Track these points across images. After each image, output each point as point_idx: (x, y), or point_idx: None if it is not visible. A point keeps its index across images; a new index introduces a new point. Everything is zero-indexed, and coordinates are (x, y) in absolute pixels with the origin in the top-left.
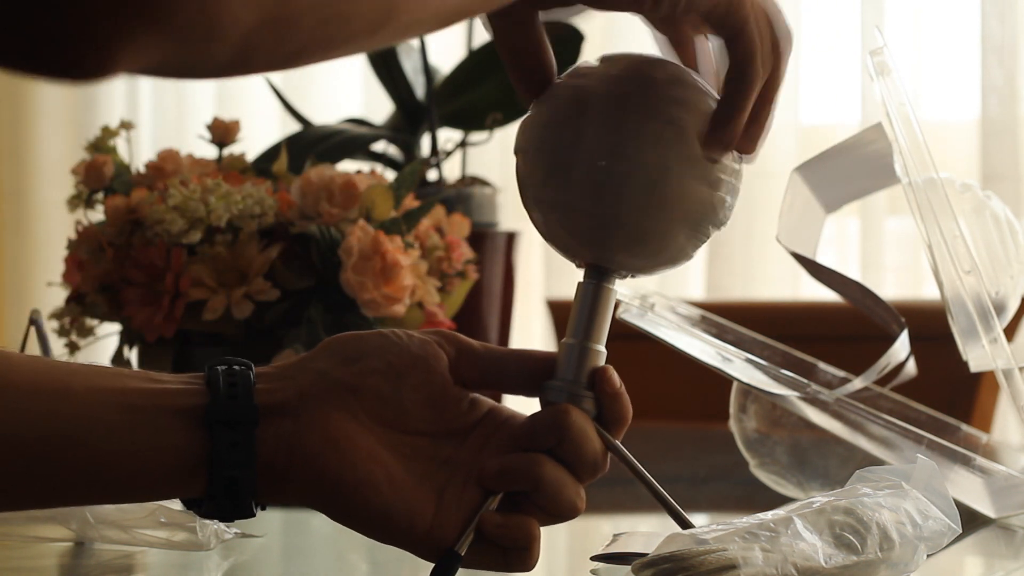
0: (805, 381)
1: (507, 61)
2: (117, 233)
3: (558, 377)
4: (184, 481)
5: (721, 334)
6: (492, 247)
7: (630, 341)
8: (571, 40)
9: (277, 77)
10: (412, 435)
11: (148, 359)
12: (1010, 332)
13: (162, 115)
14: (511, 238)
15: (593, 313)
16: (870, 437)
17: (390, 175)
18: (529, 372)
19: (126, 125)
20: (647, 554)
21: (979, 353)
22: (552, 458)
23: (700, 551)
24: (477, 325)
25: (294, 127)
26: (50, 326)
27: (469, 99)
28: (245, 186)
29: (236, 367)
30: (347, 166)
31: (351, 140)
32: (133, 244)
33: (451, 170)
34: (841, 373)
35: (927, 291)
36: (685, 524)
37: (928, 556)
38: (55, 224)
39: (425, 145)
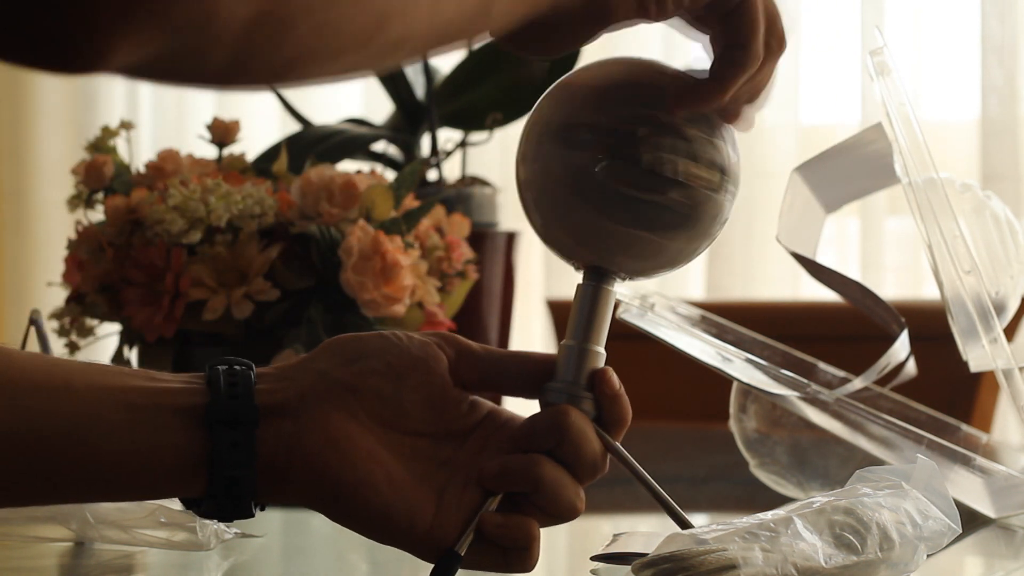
0: (805, 381)
1: None
2: (117, 233)
3: (558, 379)
4: (184, 480)
5: (721, 334)
6: (492, 247)
7: (630, 341)
8: None
9: None
10: (412, 436)
11: (148, 359)
12: (1010, 332)
13: (162, 115)
14: (511, 238)
15: (592, 315)
16: (870, 437)
17: (390, 175)
18: (529, 374)
19: (126, 125)
20: (647, 554)
21: (979, 353)
22: (551, 459)
23: (700, 551)
24: (477, 325)
25: (294, 127)
26: (50, 326)
27: (469, 99)
28: (245, 186)
29: (237, 367)
30: (347, 166)
31: (351, 140)
32: (133, 244)
33: (451, 170)
34: (841, 373)
35: (927, 291)
36: (685, 525)
37: (928, 556)
38: (55, 224)
39: (425, 145)
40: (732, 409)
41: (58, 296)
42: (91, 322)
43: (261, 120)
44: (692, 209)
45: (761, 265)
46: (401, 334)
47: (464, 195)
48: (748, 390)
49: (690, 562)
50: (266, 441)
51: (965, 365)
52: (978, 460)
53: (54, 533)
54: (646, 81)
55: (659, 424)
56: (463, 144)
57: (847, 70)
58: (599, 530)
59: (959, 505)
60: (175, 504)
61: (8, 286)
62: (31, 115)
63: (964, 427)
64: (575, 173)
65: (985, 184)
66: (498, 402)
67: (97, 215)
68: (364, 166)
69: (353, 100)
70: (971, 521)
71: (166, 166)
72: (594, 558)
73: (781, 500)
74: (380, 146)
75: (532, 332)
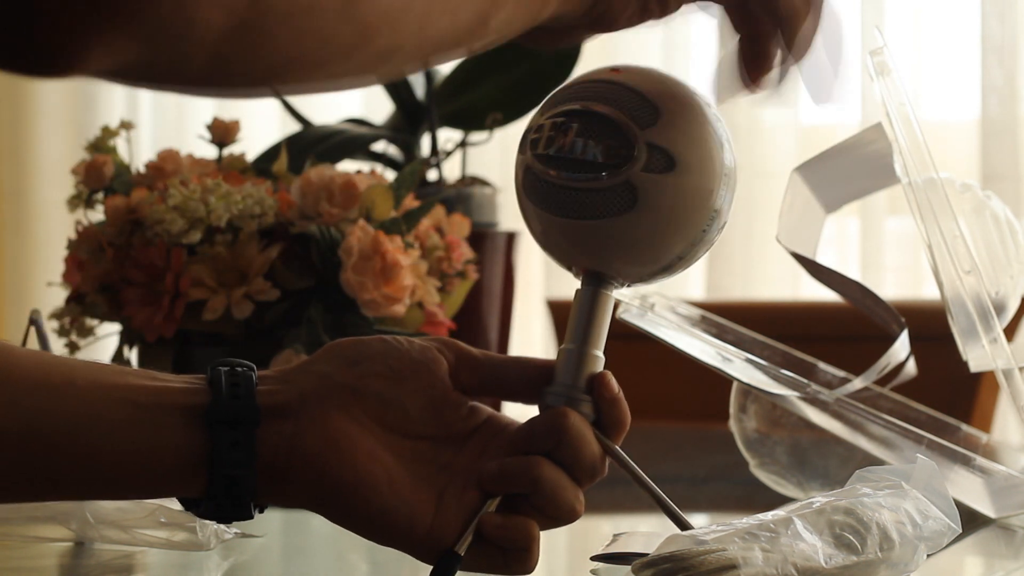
0: (805, 381)
1: None
2: (117, 233)
3: (556, 382)
4: (184, 480)
5: (721, 334)
6: (492, 247)
7: (630, 341)
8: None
9: None
10: (412, 439)
11: (148, 359)
12: (1010, 332)
13: (162, 115)
14: (511, 238)
15: (591, 319)
16: (870, 437)
17: (390, 175)
18: (528, 379)
19: (126, 125)
20: (647, 554)
21: (979, 353)
22: (551, 461)
23: (700, 551)
24: (477, 325)
25: (294, 127)
26: (50, 326)
27: (469, 99)
28: (245, 186)
29: (239, 369)
30: (347, 166)
31: (351, 140)
32: (133, 244)
33: (451, 170)
34: (841, 373)
35: (927, 291)
36: (684, 526)
37: (928, 556)
38: (55, 224)
39: (425, 145)
40: (732, 409)
41: (58, 296)
42: (91, 322)
43: (261, 120)
44: (618, 190)
45: (761, 265)
46: (402, 338)
47: (464, 195)
48: (748, 390)
49: (690, 562)
50: (266, 441)
51: (965, 365)
52: (978, 460)
53: (54, 533)
54: (595, 78)
55: (659, 424)
56: (463, 144)
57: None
58: (599, 530)
59: (959, 505)
60: (175, 504)
61: (8, 286)
62: (31, 115)
63: (964, 427)
64: (521, 175)
65: (985, 184)
66: (497, 407)
67: (97, 215)
68: (364, 166)
69: (353, 100)
70: (971, 521)
71: (166, 166)
72: (594, 558)
73: (781, 500)
74: (380, 146)
75: (532, 332)
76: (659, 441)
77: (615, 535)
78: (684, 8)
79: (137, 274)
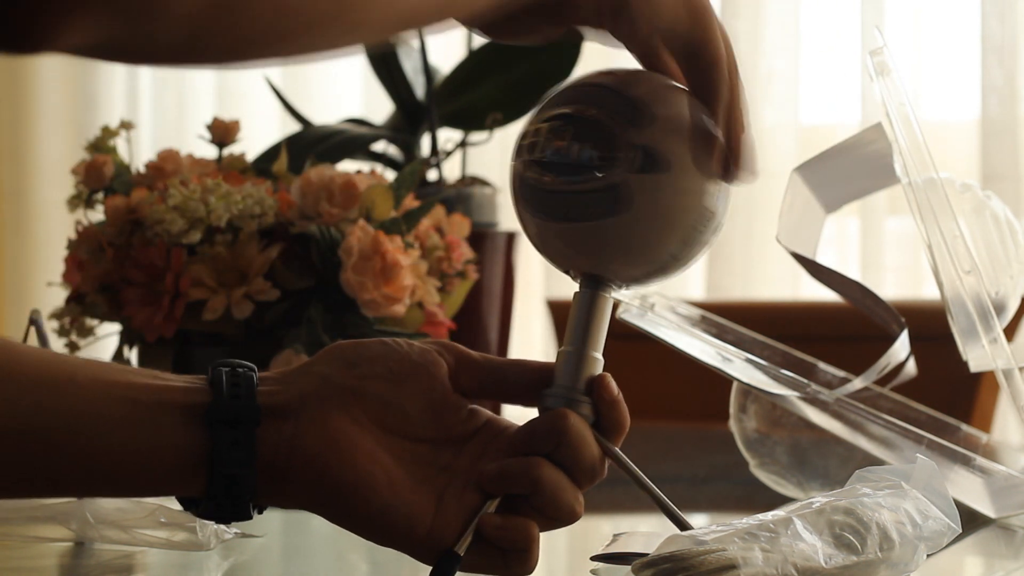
0: (805, 381)
1: None
2: (117, 233)
3: (556, 384)
4: (184, 479)
5: (721, 334)
6: (492, 247)
7: (630, 341)
8: (570, 41)
9: (277, 77)
10: (412, 441)
11: (148, 359)
12: (1010, 332)
13: (162, 115)
14: (511, 238)
15: (590, 321)
16: (870, 437)
17: (390, 175)
18: (527, 381)
19: (126, 125)
20: (647, 554)
21: (979, 353)
22: (550, 462)
23: (700, 551)
24: (477, 325)
25: (294, 127)
26: (50, 326)
27: (469, 99)
28: (245, 186)
29: (240, 369)
30: (347, 166)
31: (351, 140)
32: (133, 244)
33: (451, 170)
34: (841, 373)
35: (927, 291)
36: (684, 527)
37: (928, 556)
38: (55, 224)
39: (425, 145)
40: (732, 409)
41: (58, 296)
42: (91, 322)
43: (261, 120)
44: (611, 191)
45: (761, 265)
46: (402, 341)
47: (464, 195)
48: (748, 390)
49: (690, 562)
50: (266, 441)
51: (965, 365)
52: (978, 460)
53: (54, 533)
54: (585, 82)
55: (659, 424)
56: (463, 144)
57: (847, 70)
58: (599, 530)
59: (959, 505)
60: (175, 504)
61: (8, 286)
62: (31, 115)
63: (964, 427)
64: (515, 181)
65: (985, 184)
66: (496, 410)
67: (97, 215)
68: (364, 166)
69: (353, 100)
70: (971, 521)
71: (166, 166)
72: (594, 558)
73: (781, 500)
74: (380, 146)
75: (532, 332)
76: (659, 441)
77: (615, 535)
78: (635, 31)
79: (137, 274)
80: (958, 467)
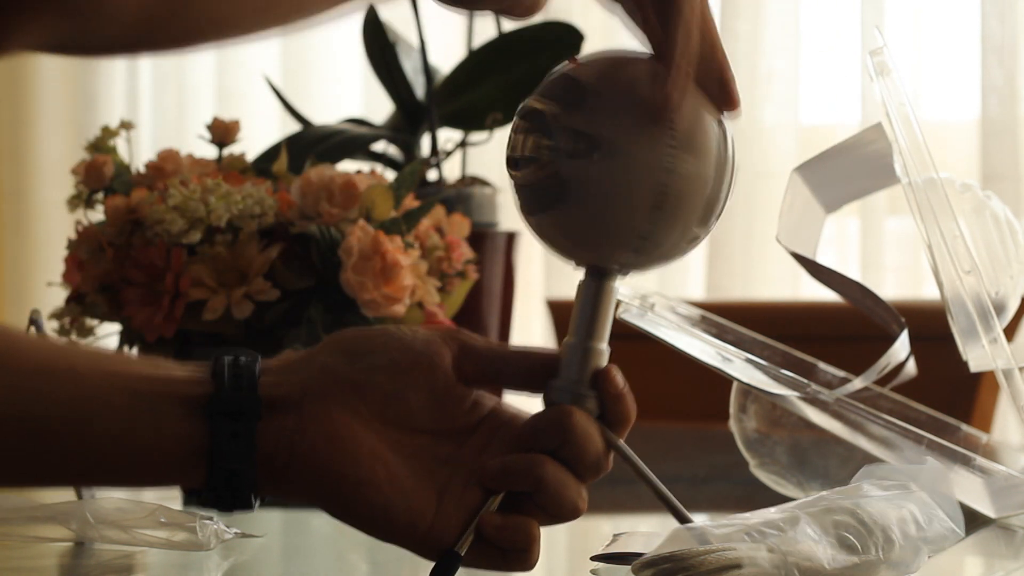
0: (805, 381)
1: None
2: (117, 233)
3: (561, 377)
4: (185, 470)
5: (721, 334)
6: (492, 247)
7: (630, 341)
8: (571, 39)
9: (277, 77)
10: (414, 434)
11: None
12: (1010, 332)
13: (162, 115)
14: (511, 238)
15: (595, 312)
16: (870, 437)
17: (390, 175)
18: (532, 370)
19: (126, 125)
20: (647, 554)
21: (979, 353)
22: (554, 459)
23: (700, 551)
24: (477, 325)
25: (294, 127)
26: (50, 326)
27: (469, 99)
28: (245, 186)
29: (242, 359)
30: (347, 166)
31: (351, 140)
32: (133, 244)
33: (451, 170)
34: (841, 373)
35: (927, 291)
36: (687, 523)
37: (928, 557)
38: (55, 224)
39: (425, 145)
40: (732, 409)
41: (58, 296)
42: (91, 322)
43: (261, 120)
44: (554, 179)
45: (761, 265)
46: (406, 329)
47: (464, 195)
48: (748, 390)
49: (690, 562)
50: (267, 435)
51: (965, 365)
52: (978, 460)
53: (54, 533)
54: (552, 73)
55: (659, 424)
56: (463, 144)
57: (847, 70)
58: (599, 530)
59: (959, 505)
60: (175, 504)
61: (8, 286)
62: (31, 115)
63: (964, 427)
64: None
65: (985, 184)
66: (500, 396)
67: (97, 215)
68: (364, 166)
69: (353, 100)
70: (971, 521)
71: (166, 166)
72: (594, 558)
73: (781, 500)
74: (380, 146)
75: (532, 332)
76: (659, 441)
77: (615, 535)
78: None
79: (137, 274)
80: (958, 467)
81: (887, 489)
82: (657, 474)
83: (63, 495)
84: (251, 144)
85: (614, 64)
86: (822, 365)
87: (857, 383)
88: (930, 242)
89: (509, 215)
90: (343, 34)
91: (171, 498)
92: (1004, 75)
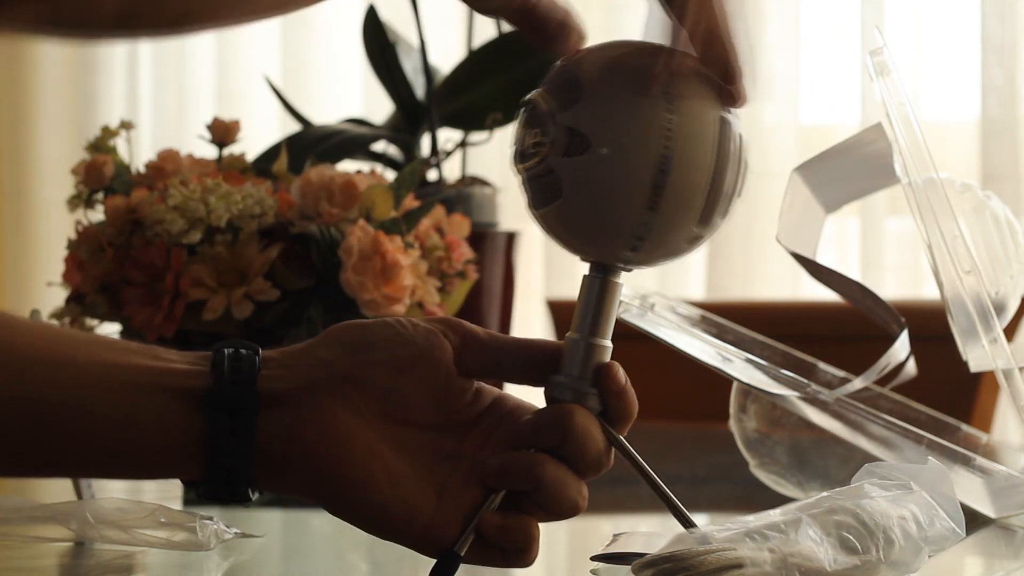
0: (805, 381)
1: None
2: (117, 233)
3: (563, 372)
4: (182, 463)
5: (721, 334)
6: (492, 247)
7: (630, 341)
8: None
9: (277, 77)
10: (415, 429)
11: None
12: (1010, 332)
13: (162, 115)
14: (511, 238)
15: (599, 308)
16: (870, 437)
17: (390, 175)
18: (534, 362)
19: (126, 125)
20: (647, 554)
21: (979, 353)
22: (554, 457)
23: (701, 551)
24: (477, 325)
25: (294, 127)
26: None
27: (469, 99)
28: (245, 186)
29: (243, 351)
30: (347, 166)
31: (351, 140)
32: (133, 244)
33: (451, 170)
34: (841, 373)
35: (927, 291)
36: (688, 523)
37: (928, 557)
38: (55, 224)
39: (425, 145)
40: (732, 409)
41: (58, 296)
42: (91, 322)
43: (261, 120)
44: (549, 176)
45: (761, 265)
46: (406, 322)
47: (464, 195)
48: (748, 390)
49: (690, 562)
50: (265, 430)
51: (965, 365)
52: (978, 460)
53: (54, 533)
54: (554, 64)
55: (659, 424)
56: (463, 144)
57: (847, 70)
58: (599, 530)
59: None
60: (175, 504)
61: (8, 286)
62: (31, 115)
63: (964, 427)
64: None
65: (985, 184)
66: (501, 387)
67: (97, 215)
68: (364, 166)
69: (353, 100)
70: (971, 521)
71: (166, 166)
72: (594, 558)
73: (781, 500)
74: (380, 146)
75: (532, 332)
76: (659, 441)
77: (615, 535)
78: None
79: (137, 274)
80: (958, 467)
81: (888, 489)
82: (657, 474)
83: (63, 495)
84: (251, 144)
85: (614, 56)
86: (822, 365)
87: (857, 383)
88: (930, 242)
89: (509, 215)
90: (343, 34)
91: (171, 498)
92: (1004, 75)
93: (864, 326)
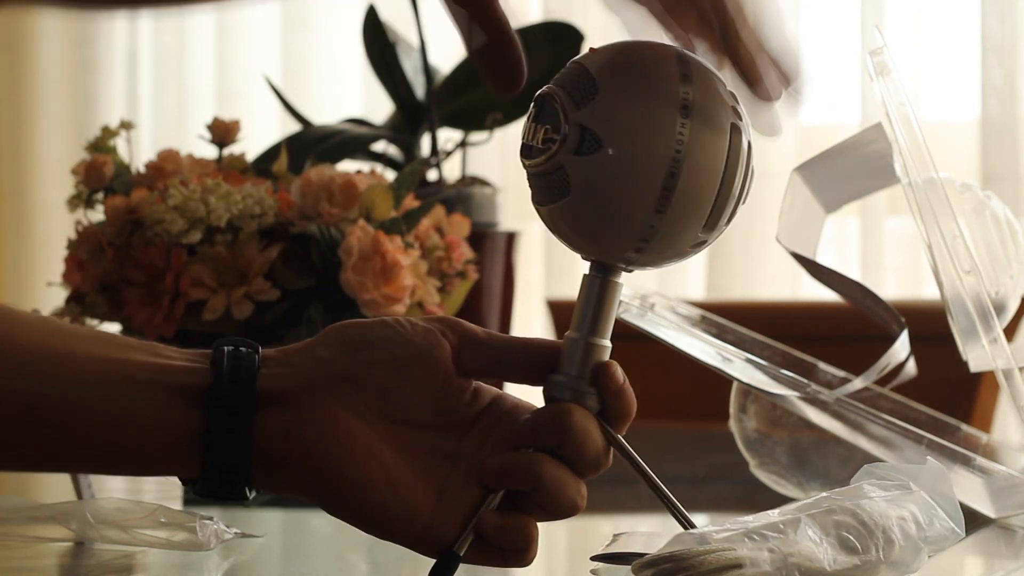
0: (805, 381)
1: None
2: (117, 233)
3: (562, 372)
4: (180, 460)
5: (721, 334)
6: (492, 247)
7: (630, 341)
8: (571, 39)
9: (277, 77)
10: (413, 429)
11: None
12: (1010, 332)
13: (162, 115)
14: (511, 238)
15: (599, 307)
16: (870, 437)
17: (390, 175)
18: (533, 362)
19: (126, 125)
20: (647, 554)
21: (979, 353)
22: (553, 457)
23: (701, 551)
24: (477, 325)
25: (294, 127)
26: None
27: (469, 99)
28: (245, 186)
29: (243, 348)
30: (347, 166)
31: (351, 140)
32: (133, 244)
33: (451, 170)
34: (841, 373)
35: (927, 291)
36: (687, 523)
37: (928, 557)
38: (55, 224)
39: (425, 145)
40: (732, 409)
41: (58, 296)
42: (91, 322)
43: (261, 120)
44: (558, 173)
45: (761, 265)
46: (405, 321)
47: (464, 195)
48: (748, 390)
49: (690, 562)
50: (263, 429)
51: (965, 365)
52: (978, 460)
53: (54, 533)
54: (571, 60)
55: (659, 424)
56: (463, 144)
57: (847, 70)
58: (599, 530)
59: (959, 505)
60: (175, 504)
61: (8, 286)
62: (31, 115)
63: (964, 427)
64: None
65: (985, 184)
66: (500, 386)
67: (97, 215)
68: (364, 166)
69: (353, 100)
70: (971, 521)
71: (166, 166)
72: (594, 558)
73: (781, 500)
74: (380, 146)
75: (532, 332)
76: (659, 441)
77: (615, 535)
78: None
79: (137, 274)
80: (958, 467)
81: (887, 489)
82: (657, 474)
83: (63, 495)
84: (251, 144)
85: (630, 57)
86: (822, 365)
87: (857, 383)
88: (930, 242)
89: (509, 215)
90: (343, 34)
91: (171, 498)
92: (1004, 75)
93: (864, 326)
